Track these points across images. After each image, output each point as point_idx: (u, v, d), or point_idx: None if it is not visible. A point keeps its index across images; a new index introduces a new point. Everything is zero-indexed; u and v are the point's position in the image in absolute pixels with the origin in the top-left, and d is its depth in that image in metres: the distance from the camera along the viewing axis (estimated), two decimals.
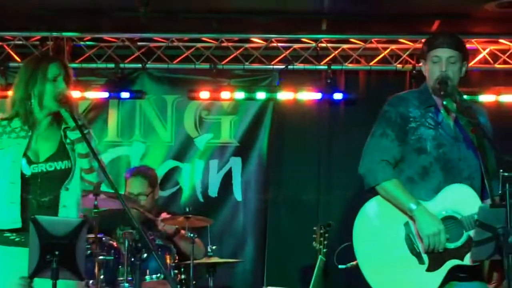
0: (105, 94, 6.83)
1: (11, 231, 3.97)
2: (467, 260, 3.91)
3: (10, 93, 4.16)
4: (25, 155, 3.94)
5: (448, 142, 4.04)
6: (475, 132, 4.08)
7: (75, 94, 6.53)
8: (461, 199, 3.96)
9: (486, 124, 4.11)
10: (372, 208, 4.10)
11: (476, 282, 4.03)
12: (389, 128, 4.06)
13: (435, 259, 3.95)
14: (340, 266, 4.41)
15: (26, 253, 3.83)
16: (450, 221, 3.93)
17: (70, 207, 4.00)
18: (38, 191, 3.97)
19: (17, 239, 3.98)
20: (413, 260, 3.98)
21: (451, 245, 3.91)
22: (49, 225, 3.86)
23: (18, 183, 3.91)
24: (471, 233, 3.89)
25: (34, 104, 3.94)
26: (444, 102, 4.04)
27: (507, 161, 3.75)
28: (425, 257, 3.96)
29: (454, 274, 3.95)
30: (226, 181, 6.82)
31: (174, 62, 6.87)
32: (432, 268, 3.95)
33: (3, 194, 3.93)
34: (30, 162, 3.96)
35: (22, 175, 3.94)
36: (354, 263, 4.12)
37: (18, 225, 3.92)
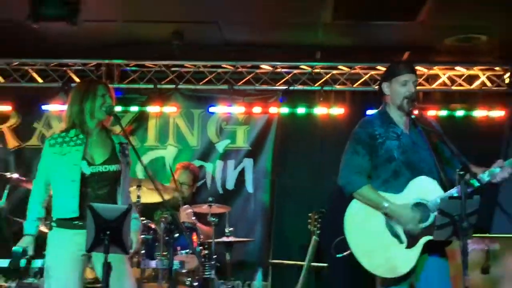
0: (147, 108, 6.87)
1: (72, 219, 4.01)
2: (436, 236, 3.84)
3: (66, 110, 4.16)
4: (84, 158, 4.00)
5: (409, 148, 4.04)
6: (437, 138, 4.08)
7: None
8: (426, 188, 3.96)
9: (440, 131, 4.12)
10: (356, 205, 4.08)
11: (443, 258, 4.03)
12: (360, 146, 4.07)
13: (412, 237, 3.94)
14: (338, 255, 4.41)
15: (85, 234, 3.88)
16: (420, 206, 3.93)
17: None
18: (96, 186, 4.05)
19: (79, 223, 4.00)
20: (395, 241, 3.98)
21: (423, 225, 3.91)
22: (102, 211, 3.89)
23: (78, 181, 3.96)
24: (434, 214, 3.86)
25: (87, 116, 4.04)
26: (413, 116, 4.03)
27: (463, 162, 3.76)
28: (403, 237, 3.96)
29: (424, 249, 3.93)
30: (241, 177, 6.82)
31: (200, 83, 6.87)
32: (410, 245, 3.95)
33: (65, 190, 3.99)
34: (89, 164, 4.04)
35: (83, 174, 3.99)
36: (348, 252, 4.10)
37: (76, 214, 3.99)
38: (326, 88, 6.78)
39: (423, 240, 3.90)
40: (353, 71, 6.81)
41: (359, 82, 6.84)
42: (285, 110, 6.84)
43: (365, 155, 4.05)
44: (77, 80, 6.78)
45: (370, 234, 4.01)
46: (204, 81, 6.86)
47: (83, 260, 4.08)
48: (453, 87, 6.80)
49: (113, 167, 4.08)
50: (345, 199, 4.13)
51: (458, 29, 6.05)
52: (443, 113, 6.70)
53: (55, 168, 4.04)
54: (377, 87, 6.59)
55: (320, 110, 6.79)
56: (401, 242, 3.95)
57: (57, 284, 4.04)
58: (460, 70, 6.78)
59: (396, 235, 3.96)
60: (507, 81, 6.75)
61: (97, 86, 4.15)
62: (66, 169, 4.02)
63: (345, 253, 4.24)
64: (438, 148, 4.08)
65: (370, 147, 4.05)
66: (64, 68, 6.82)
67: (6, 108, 6.78)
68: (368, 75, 6.81)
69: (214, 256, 5.44)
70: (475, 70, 6.78)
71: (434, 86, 6.79)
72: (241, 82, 6.85)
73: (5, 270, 5.32)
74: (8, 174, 5.48)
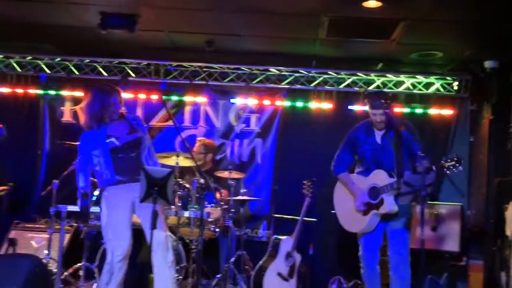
0: (184, 98, 6.79)
1: (110, 186, 4.08)
2: (381, 210, 4.22)
3: (85, 107, 4.17)
4: (110, 137, 4.05)
5: (378, 151, 4.32)
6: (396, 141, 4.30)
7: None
8: (379, 177, 4.24)
9: (408, 139, 4.35)
10: (339, 183, 4.54)
11: (402, 228, 4.28)
12: (346, 146, 4.49)
13: (366, 209, 4.28)
14: (332, 211, 4.61)
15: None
16: (374, 188, 4.24)
17: (148, 163, 4.14)
18: (128, 151, 4.08)
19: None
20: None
21: (373, 202, 4.25)
22: (152, 172, 3.89)
23: (109, 155, 4.04)
24: (384, 195, 4.19)
25: (104, 114, 4.08)
26: (382, 131, 4.38)
27: (420, 155, 3.96)
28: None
29: (384, 218, 4.27)
30: (253, 152, 6.74)
31: (225, 81, 6.79)
32: (364, 214, 4.29)
33: (101, 167, 4.06)
34: (117, 138, 4.06)
35: (116, 148, 4.05)
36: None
37: (114, 180, 4.07)
38: (319, 88, 6.70)
39: (372, 212, 4.23)
40: (339, 75, 6.72)
41: (343, 84, 6.74)
42: (287, 103, 6.77)
43: (348, 152, 4.47)
44: (133, 74, 6.75)
45: (345, 202, 4.42)
46: (228, 79, 6.78)
47: (130, 208, 4.10)
48: (414, 91, 6.71)
49: (134, 136, 4.11)
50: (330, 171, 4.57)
51: (420, 46, 5.98)
52: (406, 110, 6.63)
53: (91, 151, 4.09)
54: (357, 88, 6.69)
55: (313, 105, 6.71)
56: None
57: (112, 228, 4.06)
58: (420, 78, 6.68)
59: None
60: (455, 88, 6.65)
61: (111, 96, 4.14)
62: (100, 150, 4.06)
63: (334, 211, 4.58)
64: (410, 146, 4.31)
65: (353, 147, 4.43)
66: (123, 65, 6.75)
67: (79, 94, 6.74)
68: (351, 79, 6.71)
69: (231, 210, 5.42)
70: (431, 79, 6.68)
71: (400, 89, 6.73)
72: (255, 81, 6.77)
73: (75, 213, 5.32)
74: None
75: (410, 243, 4.29)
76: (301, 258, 5.23)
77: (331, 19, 5.30)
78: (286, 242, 5.30)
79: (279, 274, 5.19)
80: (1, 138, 4.04)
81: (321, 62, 6.61)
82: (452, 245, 5.53)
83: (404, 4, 4.90)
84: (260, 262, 5.45)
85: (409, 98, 6.71)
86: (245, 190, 5.70)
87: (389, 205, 4.16)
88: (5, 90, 6.73)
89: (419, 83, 6.71)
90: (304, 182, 5.50)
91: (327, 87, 6.73)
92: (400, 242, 4.23)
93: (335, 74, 6.71)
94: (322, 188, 5.40)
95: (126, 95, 6.39)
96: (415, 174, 3.87)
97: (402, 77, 6.68)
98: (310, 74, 6.72)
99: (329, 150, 4.70)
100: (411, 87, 6.72)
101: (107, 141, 4.04)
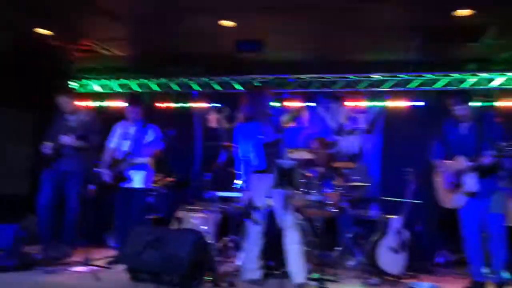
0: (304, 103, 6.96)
1: (261, 171, 4.29)
2: (463, 189, 4.37)
3: (242, 107, 4.46)
4: (262, 133, 4.33)
5: (462, 141, 4.40)
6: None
7: None
8: (461, 162, 4.39)
9: (493, 128, 4.34)
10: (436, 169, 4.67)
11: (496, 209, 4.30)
12: (438, 137, 4.61)
13: (452, 188, 4.47)
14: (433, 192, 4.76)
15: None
16: (457, 171, 4.39)
17: (281, 157, 4.30)
18: (273, 146, 4.33)
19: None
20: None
21: (456, 182, 4.42)
22: (282, 164, 4.12)
23: (262, 149, 4.32)
24: (464, 177, 4.32)
25: (258, 113, 4.45)
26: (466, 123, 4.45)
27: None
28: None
29: (475, 197, 4.34)
30: (361, 146, 6.78)
31: (335, 87, 6.92)
32: (452, 192, 4.47)
33: (252, 156, 4.33)
34: (267, 135, 4.36)
35: (266, 143, 4.34)
36: None
37: (261, 168, 4.29)
38: (416, 89, 6.60)
39: (456, 191, 4.40)
40: (434, 76, 6.57)
41: (437, 84, 6.58)
42: (389, 104, 6.74)
43: (439, 143, 4.57)
44: (241, 89, 7.09)
45: (439, 183, 4.59)
46: (337, 85, 6.90)
47: (267, 193, 4.32)
48: (508, 86, 6.38)
49: (279, 135, 4.36)
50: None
51: (509, 47, 5.71)
52: (500, 104, 6.35)
53: (245, 141, 4.37)
54: (451, 87, 6.49)
55: (412, 104, 6.65)
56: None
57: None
58: (509, 74, 6.35)
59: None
60: None
61: (263, 99, 4.39)
62: (253, 142, 4.34)
63: None
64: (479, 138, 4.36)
65: (443, 138, 4.55)
66: (253, 80, 7.10)
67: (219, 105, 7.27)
68: (445, 79, 6.53)
69: (347, 194, 5.51)
70: None
71: (492, 84, 6.43)
72: (361, 86, 6.82)
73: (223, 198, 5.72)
74: (227, 144, 5.88)
75: (509, 222, 4.24)
76: (410, 234, 5.22)
77: (424, 29, 5.24)
78: (396, 220, 5.32)
79: (391, 248, 5.24)
80: (171, 138, 4.50)
81: (417, 66, 6.51)
82: None
83: (495, 10, 4.74)
84: (374, 238, 5.51)
85: (502, 93, 6.37)
86: (357, 177, 5.78)
87: (468, 185, 4.33)
88: (169, 105, 7.46)
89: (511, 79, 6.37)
90: (408, 169, 5.47)
91: (423, 88, 6.60)
92: (495, 222, 4.23)
93: (430, 75, 6.56)
94: (424, 173, 5.33)
95: None
96: (509, 159, 3.78)
97: (493, 75, 6.37)
98: (408, 78, 6.63)
99: (427, 142, 4.72)
100: (505, 83, 6.38)
101: (260, 136, 4.34)
